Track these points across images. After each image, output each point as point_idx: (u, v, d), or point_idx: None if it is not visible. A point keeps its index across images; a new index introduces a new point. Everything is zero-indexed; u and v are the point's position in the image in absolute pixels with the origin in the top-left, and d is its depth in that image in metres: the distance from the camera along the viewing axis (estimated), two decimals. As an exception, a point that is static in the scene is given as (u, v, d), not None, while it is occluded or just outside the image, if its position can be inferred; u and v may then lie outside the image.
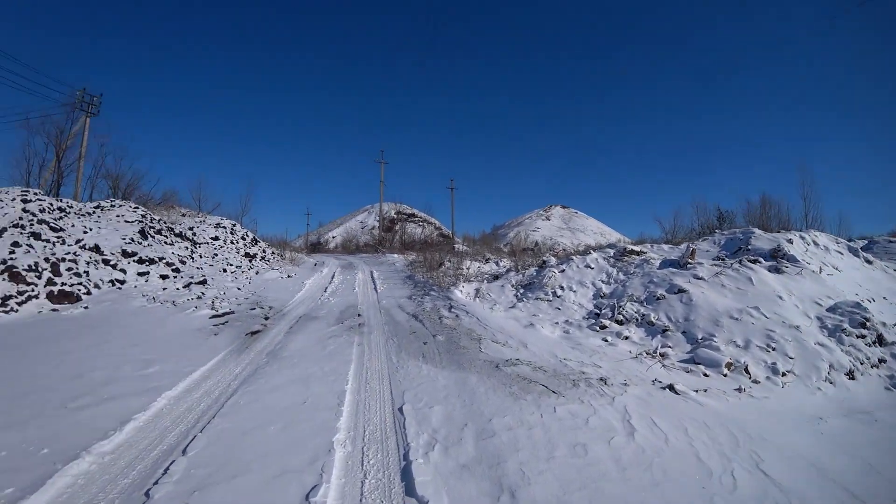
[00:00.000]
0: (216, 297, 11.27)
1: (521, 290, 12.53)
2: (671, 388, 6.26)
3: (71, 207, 15.38)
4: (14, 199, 13.36)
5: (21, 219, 12.13)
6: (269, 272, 16.99)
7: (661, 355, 7.83)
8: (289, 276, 16.91)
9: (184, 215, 23.97)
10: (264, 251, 21.19)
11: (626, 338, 8.69)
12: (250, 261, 18.95)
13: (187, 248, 16.48)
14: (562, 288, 11.90)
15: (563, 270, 12.81)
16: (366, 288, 15.07)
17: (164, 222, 17.51)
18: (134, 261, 12.89)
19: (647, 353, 7.91)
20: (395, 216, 54.33)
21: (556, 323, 10.02)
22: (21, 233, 11.56)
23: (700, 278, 10.03)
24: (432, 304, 11.53)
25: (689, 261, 11.01)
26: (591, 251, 14.14)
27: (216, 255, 17.64)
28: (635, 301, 9.94)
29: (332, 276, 17.87)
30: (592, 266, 12.77)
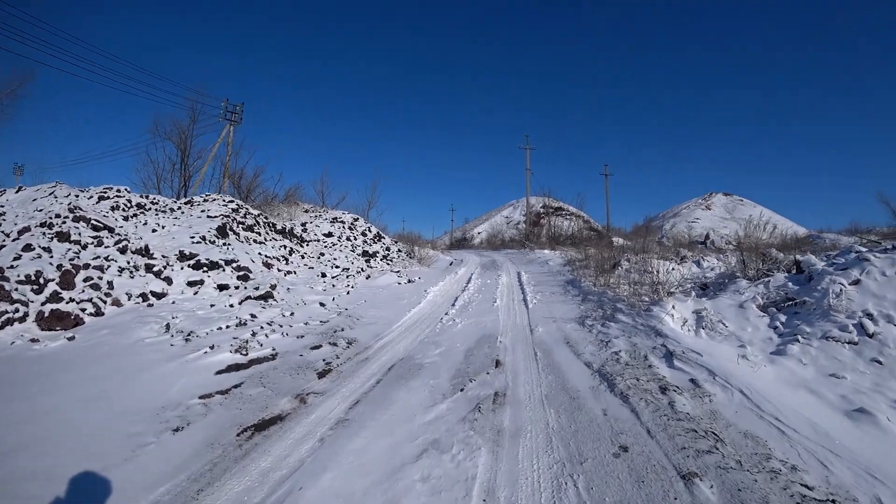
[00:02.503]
0: (267, 324, 6.92)
1: (781, 319, 6.29)
2: None
3: (155, 203, 12.74)
4: (66, 196, 10.75)
5: (59, 216, 9.17)
6: (384, 276, 12.64)
7: None
8: (409, 282, 12.37)
9: (306, 211, 21.30)
10: (388, 249, 17.15)
11: None
12: (367, 261, 14.93)
13: (286, 247, 12.87)
14: (869, 317, 5.48)
15: (856, 281, 6.27)
16: (511, 301, 9.82)
17: (265, 217, 14.23)
18: (189, 265, 9.28)
19: None
20: (542, 210, 48.98)
21: (901, 403, 3.98)
22: (44, 234, 8.49)
23: None
24: (628, 343, 5.83)
25: None
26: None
27: (322, 254, 13.87)
28: None
29: (468, 281, 12.97)
30: (915, 273, 6.12)
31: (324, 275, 11.54)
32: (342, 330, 6.97)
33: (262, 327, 6.58)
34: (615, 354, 5.40)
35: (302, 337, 6.47)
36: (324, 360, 5.50)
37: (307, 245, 14.51)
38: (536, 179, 73.69)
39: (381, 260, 15.66)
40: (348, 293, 10.07)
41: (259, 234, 12.64)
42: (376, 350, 6.11)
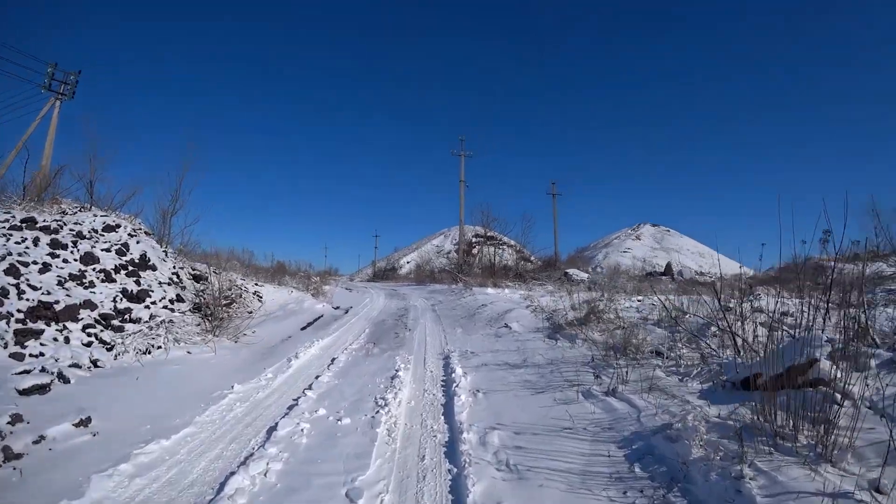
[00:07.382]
0: None
1: None
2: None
3: None
4: None
5: None
6: None
7: None
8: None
9: (64, 213, 11.30)
10: (140, 299, 7.48)
11: None
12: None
13: None
14: None
15: None
16: None
17: None
18: None
19: None
20: (474, 239, 41.54)
21: None
22: None
23: None
24: None
25: None
26: None
27: None
28: None
29: (270, 433, 3.82)
30: None
31: None
32: None
33: None
34: None
35: None
36: None
37: None
38: (474, 199, 64.11)
39: (104, 333, 6.06)
40: None
41: None
42: None
